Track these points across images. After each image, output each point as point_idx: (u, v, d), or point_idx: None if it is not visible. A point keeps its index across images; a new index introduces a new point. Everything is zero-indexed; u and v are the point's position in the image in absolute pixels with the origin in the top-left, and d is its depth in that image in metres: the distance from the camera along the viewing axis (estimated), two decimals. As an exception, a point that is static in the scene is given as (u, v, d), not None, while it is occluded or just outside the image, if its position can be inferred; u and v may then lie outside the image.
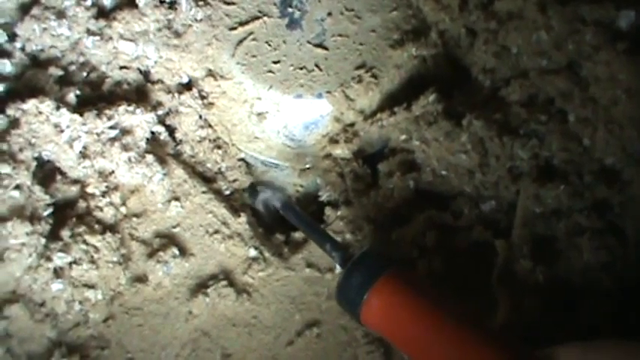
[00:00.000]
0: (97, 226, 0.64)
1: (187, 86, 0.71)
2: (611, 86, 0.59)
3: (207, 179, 0.69)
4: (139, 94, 0.70)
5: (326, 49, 0.69)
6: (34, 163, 0.64)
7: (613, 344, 0.45)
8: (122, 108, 0.67)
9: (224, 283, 0.64)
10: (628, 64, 0.59)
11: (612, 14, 0.61)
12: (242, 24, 0.70)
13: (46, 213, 0.62)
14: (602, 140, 0.60)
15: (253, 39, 0.69)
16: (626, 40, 0.60)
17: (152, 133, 0.68)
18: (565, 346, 0.46)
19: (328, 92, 0.67)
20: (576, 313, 0.56)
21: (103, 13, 0.71)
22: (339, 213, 0.67)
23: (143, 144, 0.67)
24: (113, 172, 0.66)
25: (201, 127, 0.70)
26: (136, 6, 0.70)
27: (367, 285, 0.51)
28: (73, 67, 0.69)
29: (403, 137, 0.66)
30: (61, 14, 0.69)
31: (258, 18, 0.70)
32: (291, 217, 0.63)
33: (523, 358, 0.46)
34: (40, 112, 0.64)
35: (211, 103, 0.70)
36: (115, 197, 0.66)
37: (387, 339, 0.52)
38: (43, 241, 0.61)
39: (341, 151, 0.67)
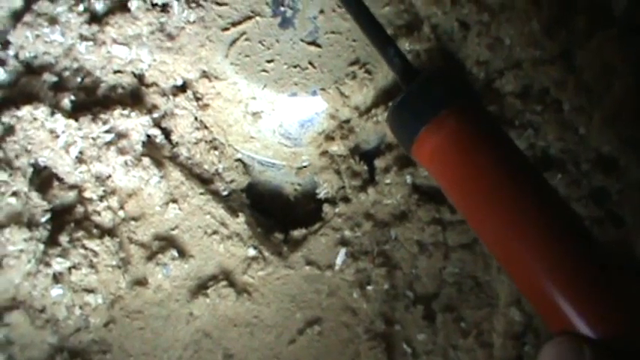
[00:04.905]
0: (95, 231, 0.64)
1: (182, 88, 0.71)
2: (605, 73, 0.59)
3: (204, 180, 0.69)
4: (133, 97, 0.70)
5: (319, 46, 0.69)
6: (31, 170, 0.64)
7: None
8: (117, 112, 0.67)
9: (224, 283, 0.64)
10: (621, 49, 0.59)
11: (604, 0, 0.61)
12: (234, 24, 0.70)
13: (43, 219, 0.62)
14: (597, 128, 0.60)
15: (246, 39, 0.69)
16: (619, 26, 0.60)
17: (148, 136, 0.68)
18: None
19: (322, 89, 0.67)
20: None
21: (95, 18, 0.71)
22: (337, 210, 0.66)
23: (139, 147, 0.67)
24: (110, 176, 0.66)
25: (197, 128, 0.70)
26: (128, 10, 0.70)
27: (438, 108, 0.40)
28: (67, 73, 0.69)
29: (399, 132, 0.66)
30: (53, 21, 0.69)
31: (250, 18, 0.70)
32: (348, 6, 0.49)
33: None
34: (35, 119, 0.65)
35: (206, 105, 0.70)
36: (113, 201, 0.65)
37: (436, 179, 0.43)
38: (41, 246, 0.61)
39: (337, 148, 0.67)
